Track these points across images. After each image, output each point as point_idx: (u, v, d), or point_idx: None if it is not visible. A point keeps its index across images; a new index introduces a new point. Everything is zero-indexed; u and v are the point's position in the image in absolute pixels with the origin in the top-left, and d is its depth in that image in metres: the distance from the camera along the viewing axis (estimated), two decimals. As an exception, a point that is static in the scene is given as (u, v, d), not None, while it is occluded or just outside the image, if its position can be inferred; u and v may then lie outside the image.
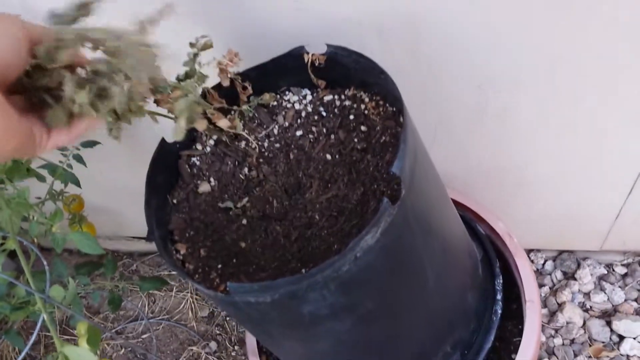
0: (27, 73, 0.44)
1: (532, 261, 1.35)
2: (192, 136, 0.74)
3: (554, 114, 0.87)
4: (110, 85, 0.44)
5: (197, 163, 0.73)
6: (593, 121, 0.87)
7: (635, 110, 0.85)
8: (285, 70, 0.69)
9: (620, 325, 1.21)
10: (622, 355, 1.20)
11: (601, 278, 1.30)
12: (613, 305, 1.26)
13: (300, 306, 0.57)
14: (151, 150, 0.68)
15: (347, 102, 0.70)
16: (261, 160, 0.72)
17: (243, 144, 0.72)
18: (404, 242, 0.59)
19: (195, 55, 0.57)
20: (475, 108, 0.87)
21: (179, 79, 0.56)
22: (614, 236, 1.18)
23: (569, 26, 0.72)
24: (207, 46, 0.56)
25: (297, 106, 0.72)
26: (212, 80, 0.65)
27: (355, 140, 0.68)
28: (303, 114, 0.72)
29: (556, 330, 1.26)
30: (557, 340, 1.25)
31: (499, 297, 0.88)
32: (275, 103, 0.73)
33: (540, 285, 1.32)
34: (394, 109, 0.67)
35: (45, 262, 0.96)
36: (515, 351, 0.84)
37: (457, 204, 0.97)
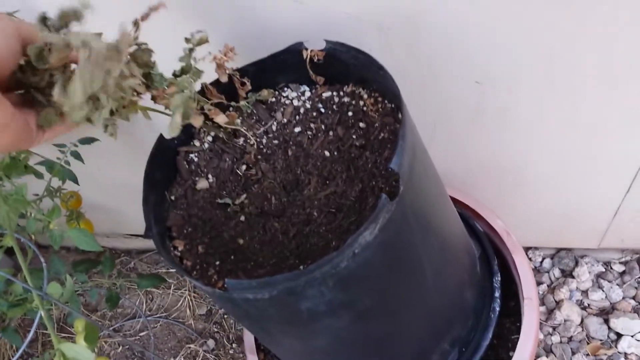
0: (20, 68, 0.44)
1: (530, 259, 1.35)
2: (190, 133, 0.73)
3: (552, 113, 0.87)
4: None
5: (195, 159, 0.73)
6: (592, 120, 0.88)
7: (634, 109, 0.85)
8: (283, 66, 0.69)
9: (618, 323, 1.21)
10: (619, 353, 1.20)
11: (599, 276, 1.30)
12: (611, 303, 1.27)
13: (299, 303, 0.57)
14: (149, 147, 0.68)
15: (346, 99, 0.70)
16: (259, 156, 0.71)
17: (241, 140, 0.72)
18: (402, 239, 0.59)
19: (191, 50, 0.56)
20: (474, 106, 0.87)
21: (175, 75, 0.56)
22: (612, 234, 1.18)
23: (569, 26, 0.72)
24: (202, 41, 0.56)
25: (295, 102, 0.72)
26: (211, 76, 0.64)
27: (354, 136, 0.68)
28: (301, 110, 0.72)
29: (554, 328, 1.26)
30: (555, 338, 1.25)
31: (497, 294, 0.88)
32: (273, 99, 0.73)
33: (538, 283, 1.32)
34: (393, 106, 0.67)
35: (42, 260, 0.96)
36: (513, 349, 0.84)
37: (455, 201, 0.97)
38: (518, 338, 0.84)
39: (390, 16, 0.74)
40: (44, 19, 0.43)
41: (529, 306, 0.86)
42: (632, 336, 1.21)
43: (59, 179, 0.99)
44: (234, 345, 1.43)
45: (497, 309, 0.86)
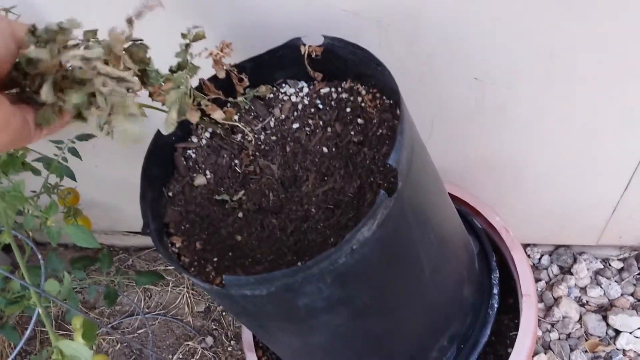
0: (16, 67, 0.44)
1: (528, 256, 1.35)
2: (187, 129, 0.73)
3: (551, 110, 0.87)
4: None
5: (193, 156, 0.72)
6: (591, 118, 0.88)
7: (633, 109, 0.85)
8: (281, 62, 0.69)
9: (617, 319, 1.21)
10: (618, 349, 1.20)
11: (597, 273, 1.30)
12: (609, 300, 1.27)
13: (296, 299, 0.57)
14: (146, 144, 0.67)
15: (344, 95, 0.69)
16: (257, 153, 0.71)
17: (239, 136, 0.72)
18: (400, 235, 0.59)
19: (187, 45, 0.56)
20: (473, 104, 0.87)
21: (171, 70, 0.56)
22: (611, 231, 1.18)
23: (569, 25, 0.72)
24: (199, 37, 0.56)
25: (293, 98, 0.72)
26: (209, 72, 0.64)
27: (352, 133, 0.67)
28: (299, 106, 0.71)
29: (552, 325, 1.26)
30: (553, 335, 1.25)
31: (495, 291, 0.88)
32: (271, 95, 0.72)
33: (537, 280, 1.32)
34: (391, 102, 0.66)
35: (40, 257, 0.96)
36: (512, 345, 0.84)
37: (453, 197, 0.97)
38: (516, 335, 0.84)
39: (389, 13, 0.73)
40: (33, 31, 0.43)
41: (527, 303, 0.86)
42: (630, 333, 1.21)
43: (56, 175, 0.99)
44: (232, 342, 1.43)
45: (496, 305, 0.86)
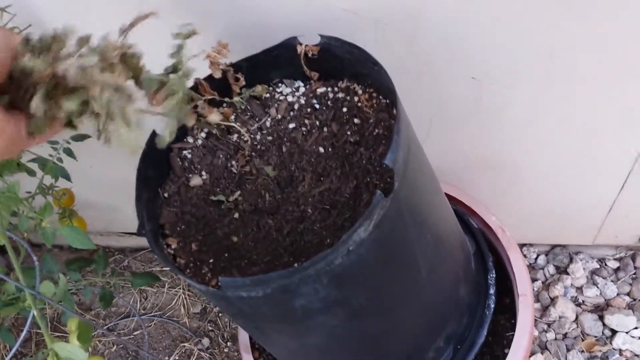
0: (9, 76, 0.43)
1: (524, 256, 1.35)
2: (183, 129, 0.73)
3: (551, 110, 0.87)
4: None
5: (189, 156, 0.72)
6: (589, 118, 0.88)
7: (632, 109, 0.85)
8: (277, 61, 0.68)
9: (613, 319, 1.22)
10: (614, 349, 1.21)
11: (593, 272, 1.30)
12: (605, 300, 1.27)
13: (293, 300, 0.56)
14: (142, 144, 0.67)
15: (340, 94, 0.69)
16: (253, 153, 0.71)
17: (235, 136, 0.72)
18: (396, 235, 0.59)
19: (180, 46, 0.55)
20: (472, 103, 0.87)
21: (166, 71, 0.55)
22: (607, 230, 1.18)
23: (569, 25, 0.72)
24: (191, 34, 0.55)
25: (289, 98, 0.72)
26: (205, 71, 0.64)
27: (348, 132, 0.67)
28: (296, 106, 0.71)
29: (549, 325, 1.26)
30: (550, 335, 1.25)
31: (491, 291, 0.88)
32: (267, 95, 0.72)
33: (533, 280, 1.32)
34: (388, 101, 0.66)
35: (35, 258, 0.95)
36: (508, 346, 0.84)
37: (450, 198, 0.96)
38: (513, 335, 0.84)
39: (389, 12, 0.73)
40: (27, 41, 0.42)
41: (523, 303, 0.86)
42: (626, 332, 1.21)
43: (51, 176, 0.98)
44: (228, 343, 1.43)
45: (492, 305, 0.86)
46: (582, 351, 1.22)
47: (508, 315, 0.96)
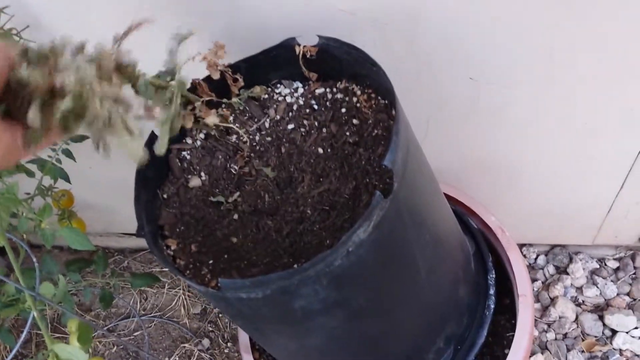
0: (6, 86, 0.43)
1: (524, 256, 1.35)
2: (182, 130, 0.73)
3: (551, 110, 0.87)
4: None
5: (188, 157, 0.72)
6: (589, 119, 0.88)
7: (631, 109, 0.85)
8: (276, 62, 0.68)
9: (613, 319, 1.22)
10: (614, 349, 1.20)
11: (593, 272, 1.30)
12: (605, 300, 1.27)
13: (292, 301, 0.56)
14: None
15: (339, 95, 0.69)
16: (252, 154, 0.71)
17: (234, 137, 0.72)
18: (396, 236, 0.59)
19: (172, 52, 0.55)
20: (471, 103, 0.87)
21: (158, 76, 0.54)
22: (606, 230, 1.18)
23: (569, 25, 0.72)
24: (186, 36, 0.55)
25: (288, 99, 0.71)
26: (203, 72, 0.64)
27: (347, 133, 0.67)
28: (294, 107, 0.71)
29: (549, 325, 1.26)
30: (550, 335, 1.25)
31: (491, 291, 0.88)
32: (266, 96, 0.72)
33: (533, 280, 1.32)
34: (386, 102, 0.66)
35: (35, 259, 0.95)
36: (508, 346, 0.84)
37: (449, 198, 0.96)
38: (513, 335, 0.84)
39: (389, 13, 0.73)
40: (24, 52, 0.42)
41: (523, 303, 0.86)
42: (627, 332, 1.21)
43: (50, 177, 0.98)
44: (228, 344, 1.43)
45: (492, 306, 0.86)
46: (583, 351, 1.22)
47: (508, 316, 0.96)
